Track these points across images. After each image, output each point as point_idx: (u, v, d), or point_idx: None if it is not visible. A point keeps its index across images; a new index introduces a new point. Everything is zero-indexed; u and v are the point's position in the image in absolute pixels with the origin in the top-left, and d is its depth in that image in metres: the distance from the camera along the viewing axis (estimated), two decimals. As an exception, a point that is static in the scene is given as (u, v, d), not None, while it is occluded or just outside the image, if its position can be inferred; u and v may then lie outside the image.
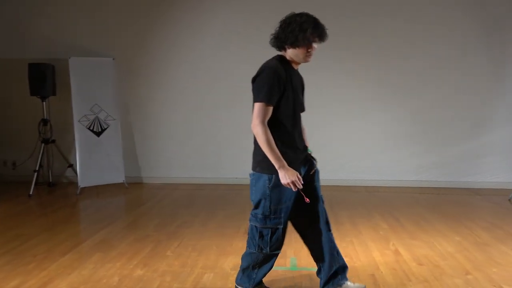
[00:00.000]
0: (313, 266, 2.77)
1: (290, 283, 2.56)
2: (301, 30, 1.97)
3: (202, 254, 3.04)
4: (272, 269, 2.73)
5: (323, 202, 2.29)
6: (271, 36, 2.10)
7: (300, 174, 2.11)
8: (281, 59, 2.11)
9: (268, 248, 2.16)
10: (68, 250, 3.13)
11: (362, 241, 3.28)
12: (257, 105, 2.04)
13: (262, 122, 2.03)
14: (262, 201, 2.17)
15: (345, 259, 2.88)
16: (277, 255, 2.24)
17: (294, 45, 2.02)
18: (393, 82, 5.13)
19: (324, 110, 5.17)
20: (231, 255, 3.00)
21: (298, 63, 2.14)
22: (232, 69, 5.34)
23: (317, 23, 2.01)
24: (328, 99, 5.17)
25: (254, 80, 2.09)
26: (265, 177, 2.16)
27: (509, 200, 4.52)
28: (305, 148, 2.27)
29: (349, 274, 2.66)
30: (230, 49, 5.30)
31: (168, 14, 5.36)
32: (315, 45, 2.03)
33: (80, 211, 4.49)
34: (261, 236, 2.16)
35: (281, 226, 2.15)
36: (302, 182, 2.04)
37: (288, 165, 2.04)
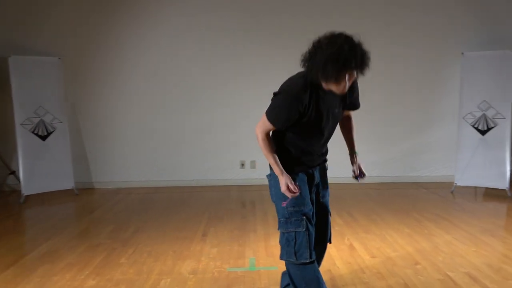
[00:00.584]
0: (271, 265, 2.80)
1: (249, 284, 2.56)
2: (324, 69, 1.65)
3: (158, 260, 2.96)
4: (231, 270, 2.73)
5: (330, 215, 2.21)
6: (302, 55, 1.81)
7: (314, 178, 2.06)
8: (308, 79, 1.80)
9: (293, 256, 1.93)
10: (11, 263, 2.91)
11: (319, 238, 3.36)
12: (264, 117, 1.91)
13: (263, 132, 1.92)
14: (279, 204, 2.01)
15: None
16: (313, 265, 1.98)
17: (321, 80, 1.73)
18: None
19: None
20: (188, 259, 2.95)
21: None
22: (187, 70, 5.26)
23: (344, 59, 1.64)
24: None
25: (275, 94, 1.90)
26: (273, 176, 2.02)
27: (452, 192, 4.83)
28: (325, 153, 2.16)
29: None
30: (185, 50, 5.21)
31: (119, 13, 5.17)
32: (346, 77, 1.69)
33: (24, 221, 4.20)
34: (287, 241, 1.96)
35: (303, 230, 1.93)
36: (296, 190, 1.91)
37: (298, 167, 1.98)
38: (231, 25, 5.16)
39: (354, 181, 2.36)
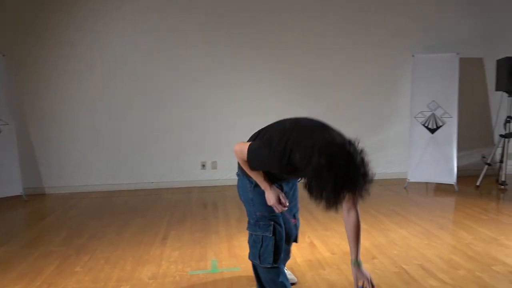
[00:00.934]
0: (234, 266, 2.79)
1: (211, 286, 2.53)
2: (335, 195, 1.61)
3: (116, 266, 2.85)
4: (193, 273, 2.69)
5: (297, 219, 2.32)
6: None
7: (282, 189, 2.04)
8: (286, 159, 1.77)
9: (257, 258, 1.97)
10: (-48, 277, 2.70)
11: (280, 237, 3.39)
12: (246, 151, 1.86)
13: (242, 153, 1.88)
14: (247, 206, 2.05)
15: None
16: (277, 270, 2.00)
17: (321, 200, 1.70)
18: (306, 83, 5.39)
19: (233, 110, 5.24)
20: (148, 264, 2.87)
21: None
22: (145, 69, 5.12)
23: (356, 186, 1.60)
24: (240, 98, 5.24)
25: (264, 142, 1.86)
26: (246, 180, 2.02)
27: (405, 188, 5.06)
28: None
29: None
30: (143, 49, 5.07)
31: (75, 7, 4.93)
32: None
33: (-33, 230, 3.90)
34: (254, 243, 1.99)
35: (270, 235, 1.94)
36: (286, 204, 1.91)
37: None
38: (193, 25, 5.09)
39: None
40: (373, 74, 5.48)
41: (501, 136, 4.99)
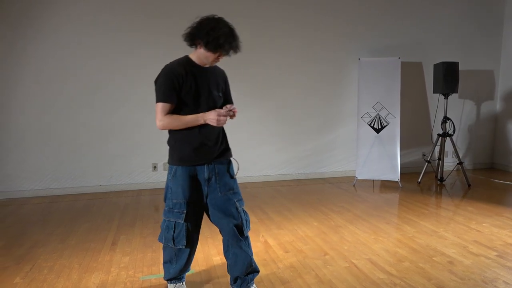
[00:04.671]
0: (192, 269, 2.74)
1: (164, 290, 2.47)
2: (217, 37, 2.00)
3: (61, 275, 2.69)
4: (145, 278, 2.61)
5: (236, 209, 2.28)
6: (186, 30, 2.10)
7: (202, 176, 2.20)
8: (183, 60, 2.17)
9: (172, 242, 2.19)
10: None
11: (234, 237, 3.39)
12: (157, 105, 2.11)
13: (161, 119, 2.11)
14: (166, 193, 2.25)
15: (219, 257, 2.95)
16: (188, 251, 2.26)
17: (206, 48, 2.05)
18: (255, 82, 5.43)
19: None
20: (97, 271, 2.74)
21: (205, 64, 2.17)
22: (89, 68, 4.88)
23: (233, 35, 2.06)
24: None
25: (155, 81, 2.15)
26: (169, 168, 2.24)
27: (353, 185, 5.28)
28: (218, 143, 2.24)
29: (223, 270, 2.72)
30: (85, 46, 4.83)
31: (14, 3, 4.58)
32: (225, 54, 2.09)
33: None
34: (167, 228, 2.21)
35: (181, 221, 2.17)
36: (230, 110, 2.13)
37: (179, 161, 2.17)
38: (136, 25, 4.93)
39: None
40: (322, 76, 5.65)
41: (439, 135, 5.37)
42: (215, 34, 1.99)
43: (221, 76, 2.30)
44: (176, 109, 2.12)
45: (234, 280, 2.32)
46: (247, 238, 2.27)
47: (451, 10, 5.95)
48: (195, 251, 2.35)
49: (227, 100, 2.35)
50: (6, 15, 4.60)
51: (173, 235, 2.18)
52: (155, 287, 2.52)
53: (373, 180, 5.42)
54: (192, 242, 2.24)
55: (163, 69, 2.13)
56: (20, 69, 4.72)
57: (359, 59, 5.34)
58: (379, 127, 5.24)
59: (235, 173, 2.31)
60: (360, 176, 5.30)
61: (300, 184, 5.44)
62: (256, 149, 5.53)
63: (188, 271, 2.53)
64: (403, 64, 5.50)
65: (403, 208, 4.21)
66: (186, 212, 2.16)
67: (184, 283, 2.44)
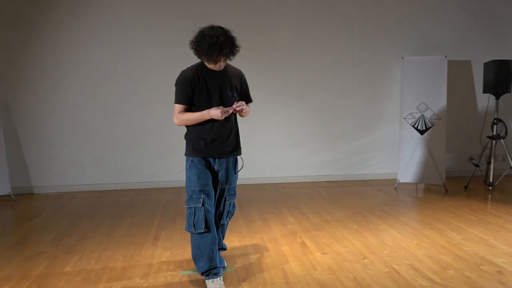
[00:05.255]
0: (226, 266, 2.78)
1: (203, 286, 2.52)
2: (203, 49, 2.28)
3: (107, 266, 2.83)
4: (184, 273, 2.68)
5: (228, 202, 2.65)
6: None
7: (212, 168, 2.51)
8: (198, 65, 2.47)
9: (193, 228, 2.44)
10: None
11: (272, 237, 3.40)
12: (174, 105, 2.49)
13: (177, 116, 2.48)
14: (186, 183, 2.53)
15: (256, 256, 2.97)
16: (210, 238, 2.45)
17: (201, 58, 2.40)
18: (294, 82, 5.41)
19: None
20: (140, 264, 2.85)
21: (213, 68, 2.43)
22: (134, 69, 5.08)
23: (219, 44, 2.24)
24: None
25: (175, 84, 2.47)
26: (186, 160, 2.56)
27: (395, 188, 5.12)
28: (228, 140, 2.53)
29: (260, 269, 2.74)
30: (130, 49, 5.03)
31: (61, 7, 4.87)
32: (219, 61, 2.34)
33: (-48, 231, 3.83)
34: (189, 216, 2.47)
35: (200, 206, 2.43)
36: (226, 109, 2.40)
37: (194, 153, 2.50)
38: (182, 28, 5.07)
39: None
40: (363, 76, 5.53)
41: (489, 137, 5.08)
42: (201, 47, 2.27)
43: (236, 77, 2.54)
44: (192, 108, 2.46)
45: None
46: (222, 225, 2.69)
47: (503, 3, 5.61)
48: (216, 241, 2.51)
49: (244, 98, 2.60)
50: (58, 21, 4.89)
51: (194, 220, 2.42)
52: (194, 281, 2.58)
53: (416, 183, 5.23)
54: (211, 226, 2.45)
55: (180, 74, 2.45)
56: (71, 73, 5.00)
57: (402, 58, 5.17)
58: (423, 128, 5.04)
59: (238, 170, 2.62)
60: (402, 179, 5.13)
61: (339, 185, 5.36)
62: (294, 150, 5.51)
63: (224, 266, 2.61)
64: (450, 63, 5.24)
65: (448, 213, 4.03)
66: (203, 197, 2.43)
67: (221, 278, 2.48)
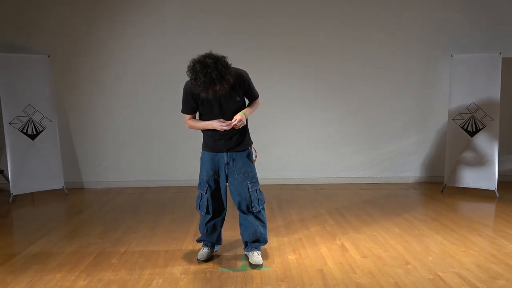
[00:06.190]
0: (264, 266, 2.80)
1: (241, 284, 2.56)
2: (197, 88, 2.46)
3: (150, 260, 2.94)
4: (223, 270, 2.73)
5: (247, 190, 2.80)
6: None
7: (224, 161, 2.79)
8: None
9: (199, 208, 2.86)
10: (0, 263, 2.87)
11: (310, 238, 3.37)
12: (183, 112, 2.87)
13: (186, 122, 2.87)
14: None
15: (294, 256, 2.97)
16: (207, 216, 2.85)
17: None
18: (334, 82, 5.32)
19: (268, 110, 5.23)
20: (180, 259, 2.94)
21: None
22: (180, 70, 5.21)
23: (205, 85, 2.40)
24: (272, 99, 5.19)
25: None
26: (201, 153, 2.91)
27: (441, 192, 4.89)
28: (233, 138, 2.75)
29: (299, 270, 2.73)
30: (174, 51, 5.19)
31: (111, 12, 5.12)
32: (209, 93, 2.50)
33: (13, 221, 4.14)
34: (197, 198, 2.89)
35: (204, 193, 2.81)
36: (229, 121, 2.65)
37: (205, 147, 2.87)
38: (222, 27, 5.15)
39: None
40: (408, 74, 5.33)
41: (548, 140, 4.72)
42: (196, 84, 2.43)
43: (237, 82, 2.65)
44: (200, 115, 2.79)
45: (244, 244, 2.93)
46: (258, 212, 2.82)
47: None
48: (221, 223, 2.93)
49: (248, 97, 2.81)
50: (107, 23, 5.14)
51: (199, 203, 2.85)
52: (232, 278, 2.62)
53: (465, 187, 4.96)
54: (212, 211, 2.83)
55: (184, 86, 2.72)
56: (117, 74, 5.24)
57: (451, 56, 4.94)
58: (474, 130, 4.78)
59: (253, 159, 2.84)
60: (449, 183, 4.90)
61: (381, 188, 5.21)
62: (334, 150, 5.42)
63: (219, 244, 3.03)
64: (505, 61, 4.92)
65: (500, 220, 3.79)
66: (207, 186, 2.80)
67: (209, 249, 2.95)
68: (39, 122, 4.86)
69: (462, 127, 4.84)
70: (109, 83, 5.25)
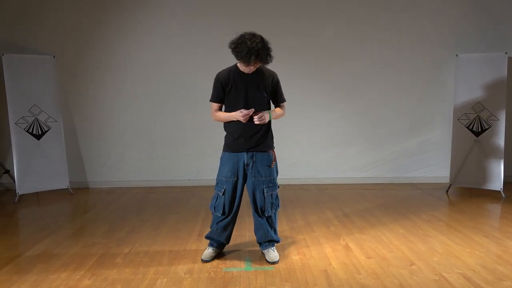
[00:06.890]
0: (268, 266, 2.80)
1: (245, 284, 2.56)
2: (241, 51, 2.54)
3: (154, 259, 2.95)
4: (227, 270, 2.73)
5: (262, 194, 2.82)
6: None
7: (244, 163, 2.77)
8: (231, 67, 2.79)
9: (213, 209, 2.86)
10: (6, 263, 2.89)
11: (315, 238, 3.36)
12: (210, 103, 2.86)
13: (213, 113, 2.85)
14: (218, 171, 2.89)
15: (298, 256, 2.96)
16: (224, 219, 2.85)
17: (237, 59, 2.65)
18: (339, 82, 5.31)
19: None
20: (184, 259, 2.94)
21: (246, 71, 2.69)
22: (184, 70, 5.24)
23: (256, 50, 2.50)
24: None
25: None
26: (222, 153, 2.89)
27: (446, 193, 4.86)
28: (254, 137, 2.75)
29: (303, 270, 2.73)
30: (182, 50, 5.20)
31: (117, 11, 5.15)
32: (253, 64, 2.60)
33: (18, 220, 4.17)
34: (213, 198, 2.87)
35: (221, 194, 2.81)
36: (248, 111, 2.64)
37: (226, 148, 2.85)
38: (228, 27, 5.15)
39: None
40: (413, 74, 5.31)
41: (554, 141, 4.68)
42: (238, 49, 2.54)
43: (268, 78, 2.77)
44: (225, 106, 2.79)
45: (258, 244, 2.99)
46: (269, 217, 2.85)
47: None
48: (233, 224, 2.91)
49: (274, 98, 2.86)
50: (112, 23, 5.17)
51: (215, 203, 2.84)
52: (236, 278, 2.62)
53: (470, 188, 4.93)
54: (227, 213, 2.82)
55: (216, 75, 2.77)
56: (122, 74, 5.26)
57: (456, 55, 4.91)
58: (479, 130, 4.75)
59: (272, 163, 2.81)
60: (454, 184, 4.87)
61: (386, 188, 5.19)
62: (339, 150, 5.41)
63: (226, 244, 3.01)
64: (510, 60, 4.88)
65: (505, 221, 3.76)
66: (225, 188, 2.78)
67: (213, 249, 2.93)
68: (44, 122, 4.90)
69: (468, 127, 4.81)
70: (114, 83, 5.27)
